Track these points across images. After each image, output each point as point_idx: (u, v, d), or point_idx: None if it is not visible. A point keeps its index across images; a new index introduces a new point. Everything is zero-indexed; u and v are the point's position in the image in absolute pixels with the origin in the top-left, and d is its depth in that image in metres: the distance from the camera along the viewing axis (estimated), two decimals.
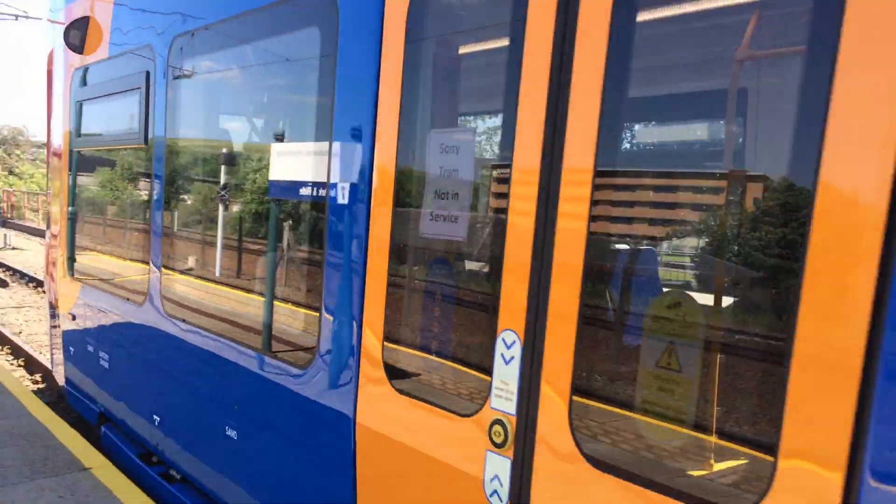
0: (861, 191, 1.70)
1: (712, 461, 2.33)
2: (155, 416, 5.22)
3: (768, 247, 2.33)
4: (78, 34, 6.42)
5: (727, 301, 2.55)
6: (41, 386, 9.57)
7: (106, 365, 6.05)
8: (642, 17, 2.37)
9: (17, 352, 11.09)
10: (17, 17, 23.99)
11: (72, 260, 6.93)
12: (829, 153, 1.75)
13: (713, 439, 2.33)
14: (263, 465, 3.99)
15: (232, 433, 4.25)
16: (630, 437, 2.50)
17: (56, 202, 7.51)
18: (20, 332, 12.63)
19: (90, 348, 6.36)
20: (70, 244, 6.95)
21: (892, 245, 1.64)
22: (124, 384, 5.83)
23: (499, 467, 2.59)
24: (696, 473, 2.38)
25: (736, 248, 2.56)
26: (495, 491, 2.60)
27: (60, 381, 7.41)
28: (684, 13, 2.41)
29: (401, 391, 3.04)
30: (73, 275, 6.84)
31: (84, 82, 6.51)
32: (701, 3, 2.42)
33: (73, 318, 6.76)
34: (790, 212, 2.18)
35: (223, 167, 4.67)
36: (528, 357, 2.48)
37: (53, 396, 8.67)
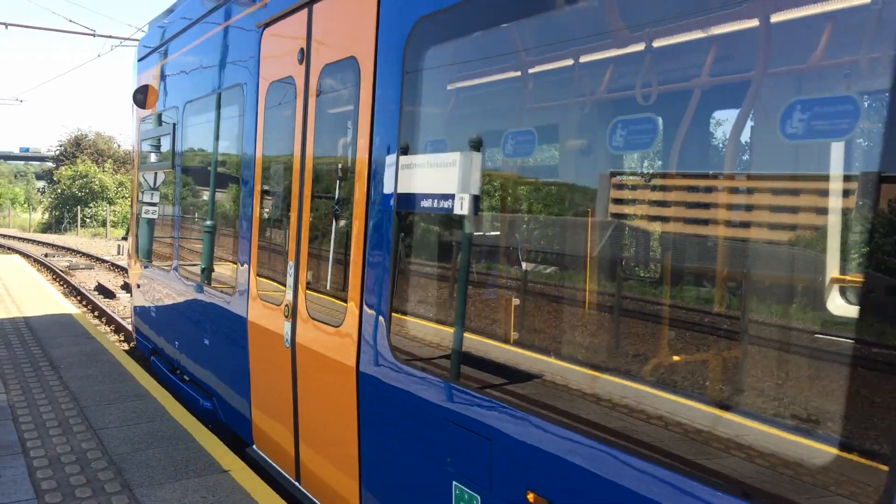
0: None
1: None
2: (176, 342, 8.21)
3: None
4: (141, 96, 9.65)
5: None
6: None
7: (154, 315, 9.14)
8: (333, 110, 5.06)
9: None
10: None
11: (136, 248, 10.14)
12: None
13: (344, 304, 4.88)
14: (215, 353, 6.85)
15: (207, 341, 7.13)
16: (323, 308, 5.09)
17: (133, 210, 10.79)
18: None
19: (146, 305, 9.49)
20: (136, 237, 10.17)
21: (367, 224, 4.24)
22: (162, 325, 8.88)
23: (287, 328, 5.28)
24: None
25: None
26: (286, 339, 5.30)
27: (133, 333, 10.63)
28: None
29: (263, 300, 5.79)
30: (138, 258, 10.04)
31: (144, 127, 9.71)
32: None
33: (138, 286, 9.94)
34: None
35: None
36: (295, 273, 5.18)
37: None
